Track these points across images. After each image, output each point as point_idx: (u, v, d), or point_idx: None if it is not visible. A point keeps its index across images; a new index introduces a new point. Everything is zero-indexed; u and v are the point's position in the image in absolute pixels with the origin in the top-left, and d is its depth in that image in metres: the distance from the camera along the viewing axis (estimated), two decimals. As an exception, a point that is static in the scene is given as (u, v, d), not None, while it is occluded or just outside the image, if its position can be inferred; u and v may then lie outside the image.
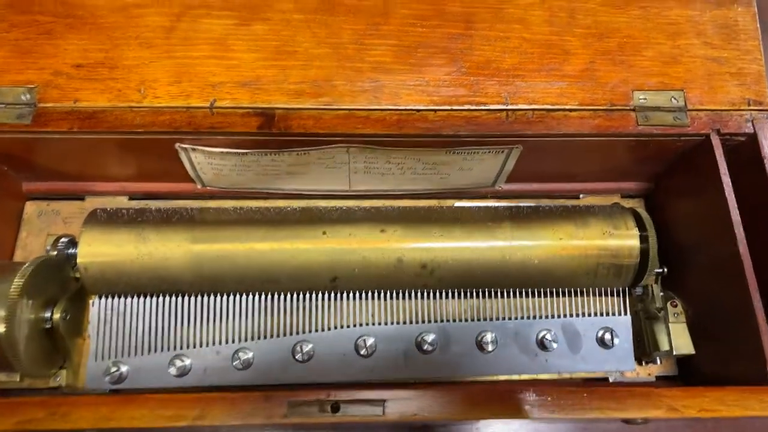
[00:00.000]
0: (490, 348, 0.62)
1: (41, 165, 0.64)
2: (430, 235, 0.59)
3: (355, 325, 0.62)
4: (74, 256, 0.59)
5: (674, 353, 0.60)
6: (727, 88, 0.62)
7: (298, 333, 0.62)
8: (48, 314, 0.59)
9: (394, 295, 0.63)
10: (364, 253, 0.58)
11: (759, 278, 0.54)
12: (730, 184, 0.57)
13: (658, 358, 0.64)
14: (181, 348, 0.61)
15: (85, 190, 0.68)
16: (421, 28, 0.62)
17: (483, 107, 0.60)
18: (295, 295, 0.62)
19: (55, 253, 0.62)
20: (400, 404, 0.50)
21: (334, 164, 0.64)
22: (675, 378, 0.66)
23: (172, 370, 0.60)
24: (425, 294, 0.63)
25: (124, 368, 0.60)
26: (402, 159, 0.63)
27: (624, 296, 0.65)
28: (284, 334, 0.62)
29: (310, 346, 0.61)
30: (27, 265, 0.57)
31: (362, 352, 0.61)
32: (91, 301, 0.62)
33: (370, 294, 0.63)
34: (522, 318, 0.64)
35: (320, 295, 0.62)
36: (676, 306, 0.62)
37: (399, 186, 0.68)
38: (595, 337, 0.63)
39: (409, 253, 0.59)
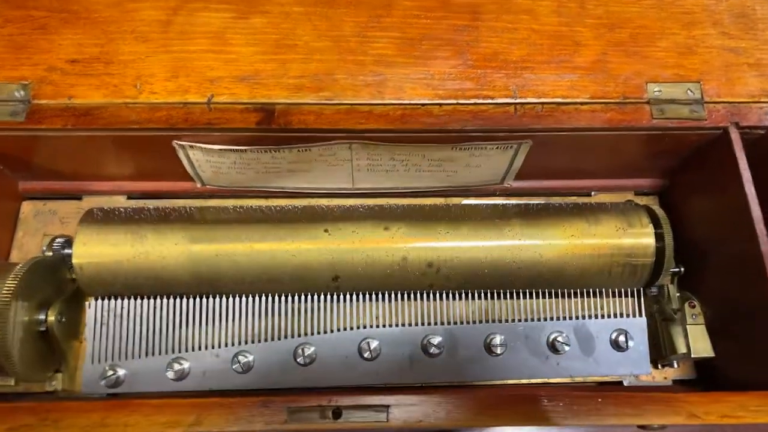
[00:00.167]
0: (499, 351, 0.60)
1: (37, 163, 0.63)
2: (436, 232, 0.57)
3: (358, 327, 0.60)
4: (70, 257, 0.57)
5: (692, 356, 0.58)
6: (745, 80, 0.59)
7: (299, 335, 0.60)
8: (43, 316, 0.57)
9: (399, 296, 0.61)
10: (367, 252, 0.56)
11: (782, 277, 0.52)
12: (750, 179, 0.55)
13: (675, 361, 0.61)
14: (180, 351, 0.59)
15: (82, 189, 0.67)
16: (425, 20, 0.60)
17: (490, 101, 0.57)
18: (296, 297, 0.60)
19: (51, 253, 0.60)
20: (405, 410, 0.48)
21: (336, 161, 0.62)
22: (693, 382, 0.63)
23: (170, 374, 0.58)
24: (431, 295, 0.61)
25: (121, 372, 0.59)
26: (406, 155, 0.61)
27: (639, 297, 0.62)
28: (285, 337, 0.60)
29: (312, 348, 0.59)
30: (21, 266, 0.56)
31: (366, 355, 0.59)
32: (87, 303, 0.61)
33: (374, 295, 0.61)
34: (532, 319, 0.61)
35: (322, 296, 0.60)
36: (694, 307, 0.59)
37: (404, 184, 0.66)
38: (608, 340, 0.61)
39: (414, 250, 0.57)
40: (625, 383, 0.62)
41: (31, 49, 0.58)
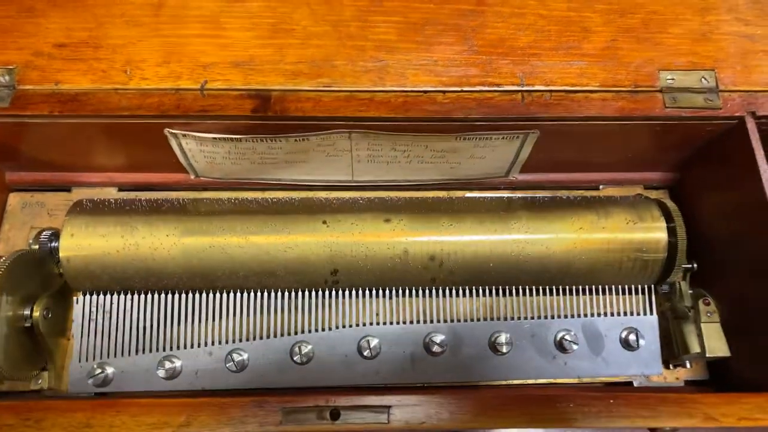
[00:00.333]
0: (504, 350, 0.57)
1: (24, 153, 0.60)
2: (438, 224, 0.54)
3: (358, 325, 0.58)
4: (57, 250, 0.55)
5: (707, 356, 0.55)
6: (762, 67, 0.57)
7: (296, 333, 0.57)
8: (28, 312, 0.55)
9: (401, 292, 0.58)
10: (367, 244, 0.54)
11: (802, 273, 0.49)
12: (768, 171, 0.52)
13: (687, 361, 0.59)
14: (171, 349, 0.57)
15: (71, 180, 0.64)
16: (428, 4, 0.57)
17: (496, 88, 0.55)
18: (293, 293, 0.58)
19: (37, 246, 0.58)
20: (407, 411, 0.45)
21: (335, 152, 0.59)
22: (706, 383, 0.60)
23: (161, 372, 0.56)
24: (434, 291, 0.59)
25: (109, 370, 0.56)
26: (408, 146, 0.58)
27: (649, 294, 0.60)
28: (282, 334, 0.57)
29: (310, 347, 0.57)
30: (4, 259, 0.53)
31: (366, 353, 0.57)
32: (75, 299, 0.58)
33: (374, 291, 0.58)
34: (539, 317, 0.59)
35: (321, 292, 0.58)
36: (708, 304, 0.56)
37: (405, 176, 0.64)
38: (618, 338, 0.59)
39: (416, 243, 0.54)
40: (636, 384, 0.60)
41: (17, 33, 0.55)
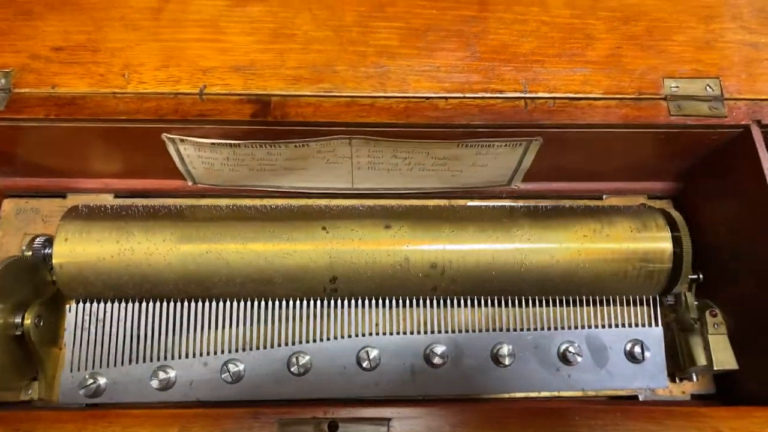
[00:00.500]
0: (506, 361, 0.56)
1: (20, 158, 0.59)
2: (439, 231, 0.53)
3: (357, 335, 0.57)
4: (50, 257, 0.54)
5: (714, 368, 0.54)
6: (767, 76, 0.56)
7: (294, 343, 0.56)
8: (19, 320, 0.53)
9: (401, 302, 0.57)
10: (367, 250, 0.53)
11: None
12: (774, 180, 0.52)
13: (694, 374, 0.58)
14: (165, 359, 0.55)
15: (67, 187, 0.63)
16: (431, 10, 0.57)
17: (499, 95, 0.54)
18: (291, 302, 0.57)
19: (30, 253, 0.56)
20: (407, 423, 0.44)
21: (335, 158, 0.58)
22: (712, 397, 0.59)
23: (155, 383, 0.54)
24: (435, 301, 0.57)
25: (101, 380, 0.55)
26: (409, 152, 0.58)
27: (654, 305, 0.58)
28: (279, 345, 0.56)
29: (307, 358, 0.55)
30: (-5, 264, 0.52)
31: (365, 365, 0.55)
32: (68, 307, 0.57)
33: (374, 301, 0.57)
34: (542, 328, 0.58)
35: (319, 301, 0.57)
36: (716, 315, 0.55)
37: (406, 184, 0.63)
38: (623, 351, 0.57)
39: (417, 249, 0.53)
40: (641, 398, 0.58)
41: (14, 36, 0.55)
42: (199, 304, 0.56)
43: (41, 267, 0.57)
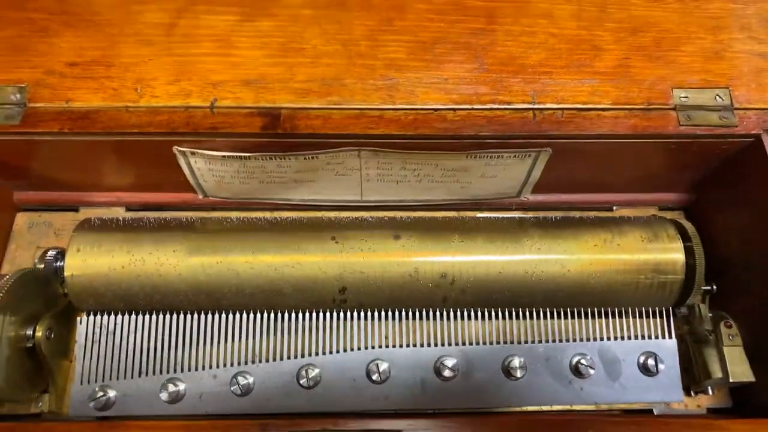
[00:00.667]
0: (518, 374, 0.55)
1: (33, 172, 0.60)
2: (449, 241, 0.53)
3: (366, 348, 0.56)
4: (62, 270, 0.54)
5: (730, 381, 0.53)
6: (777, 86, 0.56)
7: (303, 356, 0.56)
8: (30, 332, 0.54)
9: (411, 314, 0.57)
10: (376, 260, 0.53)
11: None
12: (787, 189, 0.51)
13: (709, 387, 0.56)
14: (175, 371, 0.55)
15: (79, 200, 0.64)
16: (438, 23, 0.57)
17: (507, 106, 0.55)
18: (300, 314, 0.56)
19: (42, 266, 0.57)
20: (418, 435, 0.43)
21: (344, 170, 0.59)
22: (729, 411, 0.58)
23: (164, 396, 0.54)
24: (445, 314, 0.57)
25: (111, 393, 0.54)
26: (418, 164, 0.58)
27: (668, 317, 0.58)
28: (288, 357, 0.56)
29: (317, 370, 0.55)
30: (8, 277, 0.52)
31: (374, 377, 0.55)
32: (78, 319, 0.57)
33: (383, 313, 0.57)
34: (554, 341, 0.57)
35: (328, 313, 0.56)
36: (730, 327, 0.54)
37: (415, 196, 0.63)
38: (636, 363, 0.56)
39: (426, 260, 0.53)
40: (656, 412, 0.57)
41: (30, 52, 0.56)
42: (209, 316, 0.56)
43: (53, 280, 0.57)
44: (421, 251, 0.53)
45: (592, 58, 0.57)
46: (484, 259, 0.53)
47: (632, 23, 0.58)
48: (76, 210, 0.64)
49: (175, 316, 0.56)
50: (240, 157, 0.56)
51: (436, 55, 0.56)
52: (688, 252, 0.55)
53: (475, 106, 0.54)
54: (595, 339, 0.57)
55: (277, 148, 0.55)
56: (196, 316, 0.56)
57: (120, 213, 0.64)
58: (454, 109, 0.54)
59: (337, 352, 0.56)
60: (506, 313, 0.57)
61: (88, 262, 0.52)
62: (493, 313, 0.57)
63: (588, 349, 0.57)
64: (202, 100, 0.54)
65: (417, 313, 0.57)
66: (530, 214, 0.64)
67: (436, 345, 0.57)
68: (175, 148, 0.55)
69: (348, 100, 0.54)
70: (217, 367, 0.55)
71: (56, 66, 0.55)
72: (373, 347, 0.56)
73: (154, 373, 0.55)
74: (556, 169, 0.59)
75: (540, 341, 0.57)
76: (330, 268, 0.52)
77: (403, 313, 0.57)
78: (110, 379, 0.55)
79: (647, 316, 0.58)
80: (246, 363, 0.56)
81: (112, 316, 0.56)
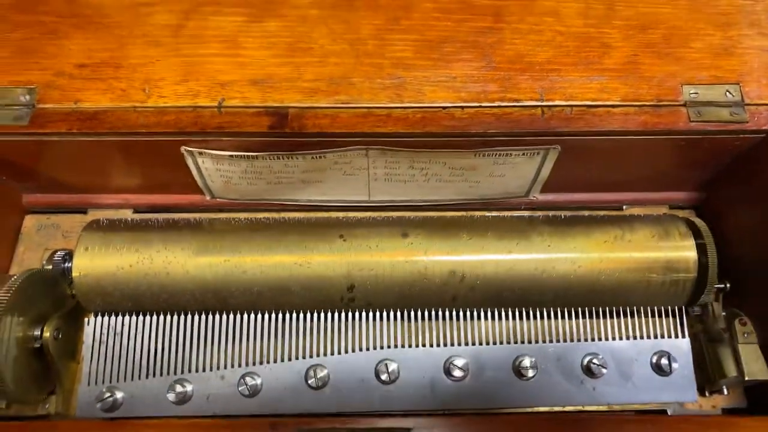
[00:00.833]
0: (529, 374, 0.54)
1: (42, 173, 0.60)
2: (458, 238, 0.53)
3: (375, 348, 0.56)
4: (70, 271, 0.54)
5: (746, 379, 0.52)
6: (788, 81, 0.56)
7: (311, 356, 0.55)
8: (38, 332, 0.53)
9: (420, 314, 0.56)
10: (385, 258, 0.52)
11: None
12: (800, 184, 0.51)
13: (724, 386, 0.55)
14: (182, 372, 0.55)
15: (87, 202, 0.64)
16: (446, 22, 0.57)
17: (516, 104, 0.54)
18: (308, 314, 0.56)
19: (51, 267, 0.57)
20: (428, 434, 0.43)
21: (351, 170, 0.58)
22: (744, 411, 0.57)
23: (171, 396, 0.54)
24: (454, 313, 0.56)
25: (119, 394, 0.54)
26: (426, 163, 0.58)
27: (680, 316, 0.57)
28: (296, 358, 0.55)
29: (325, 371, 0.54)
30: (15, 277, 0.52)
31: (383, 377, 0.54)
32: (86, 320, 0.57)
33: (392, 313, 0.56)
34: (565, 340, 0.56)
35: (336, 313, 0.56)
36: (745, 324, 0.54)
37: (423, 196, 0.63)
38: (649, 363, 0.56)
39: (435, 257, 0.52)
40: (669, 412, 0.56)
41: (39, 54, 0.56)
42: (217, 316, 0.56)
43: (61, 281, 0.57)
44: (430, 248, 0.52)
45: (600, 55, 0.56)
46: (494, 255, 0.52)
47: (640, 20, 0.58)
48: (85, 212, 0.64)
49: (182, 316, 0.56)
50: (247, 156, 0.56)
51: (444, 54, 0.56)
52: (701, 249, 0.54)
53: (483, 104, 0.54)
54: (607, 338, 0.56)
55: (285, 147, 0.55)
56: (203, 316, 0.56)
57: (128, 215, 0.64)
58: (462, 107, 0.54)
59: (346, 352, 0.55)
60: (516, 312, 0.56)
61: (95, 261, 0.52)
62: (503, 313, 0.57)
63: (600, 349, 0.56)
64: (209, 100, 0.54)
65: (426, 313, 0.56)
66: (539, 214, 0.63)
67: (445, 345, 0.56)
68: (182, 148, 0.55)
69: (356, 99, 0.54)
70: (225, 367, 0.55)
71: (65, 67, 0.56)
72: (382, 347, 0.56)
73: (161, 374, 0.55)
74: (565, 168, 0.58)
75: (551, 341, 0.56)
76: (338, 266, 0.52)
77: (413, 313, 0.56)
78: (117, 380, 0.55)
79: (659, 316, 0.57)
80: (254, 364, 0.55)
81: (120, 317, 0.56)
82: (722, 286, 0.56)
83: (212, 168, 0.58)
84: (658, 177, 0.62)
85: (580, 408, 0.56)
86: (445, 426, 0.43)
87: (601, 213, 0.64)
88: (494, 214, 0.64)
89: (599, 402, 0.55)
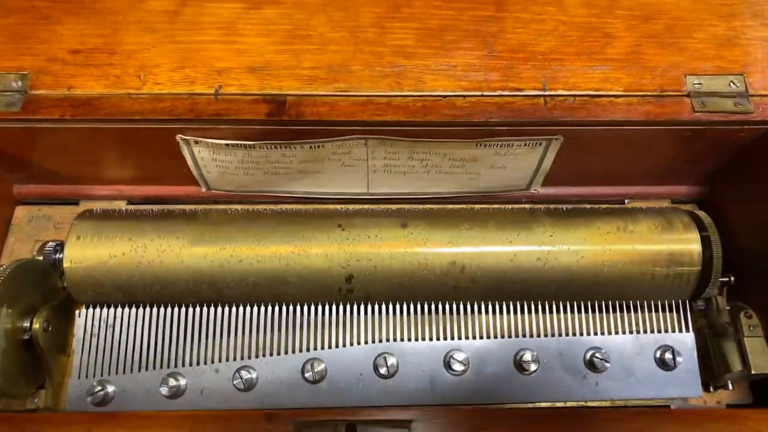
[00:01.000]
0: (531, 368, 0.53)
1: (34, 163, 0.59)
2: (458, 229, 0.52)
3: (374, 341, 0.54)
4: (61, 262, 0.53)
5: (752, 373, 0.51)
6: (792, 72, 0.55)
7: (308, 350, 0.54)
8: (27, 324, 0.52)
9: (420, 307, 0.55)
10: (384, 247, 0.51)
11: None
12: (806, 176, 0.50)
13: (729, 381, 0.54)
14: (176, 365, 0.54)
15: (80, 194, 0.63)
16: (447, 11, 0.56)
17: (518, 93, 0.53)
18: (305, 307, 0.55)
19: (41, 258, 0.55)
20: (430, 426, 0.42)
21: (350, 161, 0.57)
22: (749, 407, 0.56)
23: (164, 390, 0.52)
24: (455, 306, 0.55)
25: (110, 388, 0.53)
26: (426, 154, 0.57)
27: (684, 310, 0.56)
28: (293, 351, 0.54)
29: (323, 365, 0.53)
30: (4, 267, 0.51)
31: (382, 371, 0.53)
32: (77, 312, 0.55)
33: (391, 305, 0.55)
34: (567, 335, 0.55)
35: (334, 306, 0.55)
36: (751, 317, 0.53)
37: (423, 188, 0.62)
38: (653, 357, 0.55)
39: (435, 246, 0.51)
40: (673, 408, 0.55)
41: (32, 39, 0.55)
42: (211, 308, 0.55)
43: (52, 272, 0.55)
44: (430, 238, 0.51)
45: (603, 45, 0.56)
46: (495, 246, 0.51)
47: (643, 11, 0.57)
48: (77, 203, 0.63)
49: (176, 308, 0.54)
50: (244, 145, 0.55)
51: (445, 42, 0.55)
52: (705, 242, 0.53)
53: (485, 93, 0.53)
54: (610, 333, 0.55)
55: (283, 135, 0.54)
56: (197, 308, 0.54)
57: (121, 206, 0.63)
58: (463, 96, 0.53)
59: (344, 345, 0.54)
60: (518, 306, 0.55)
61: (87, 250, 0.51)
62: (504, 306, 0.55)
63: (603, 343, 0.55)
64: (206, 87, 0.53)
65: (426, 306, 0.55)
66: (541, 206, 0.62)
67: (446, 338, 0.55)
68: (178, 137, 0.54)
69: (355, 87, 0.53)
70: (220, 361, 0.54)
71: (59, 53, 0.54)
72: (380, 341, 0.55)
73: (154, 367, 0.54)
74: (567, 160, 0.58)
75: (553, 335, 0.55)
76: (336, 256, 0.51)
77: (412, 306, 0.55)
78: (109, 373, 0.53)
79: (663, 310, 0.56)
80: (249, 357, 0.54)
81: (112, 309, 0.55)
82: (727, 279, 0.55)
83: (208, 157, 0.57)
84: (660, 170, 0.61)
85: (582, 403, 0.55)
86: (446, 418, 0.42)
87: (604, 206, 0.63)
88: (495, 207, 0.63)
89: (602, 397, 0.54)
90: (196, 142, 0.55)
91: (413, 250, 0.51)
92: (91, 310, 0.55)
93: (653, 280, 0.53)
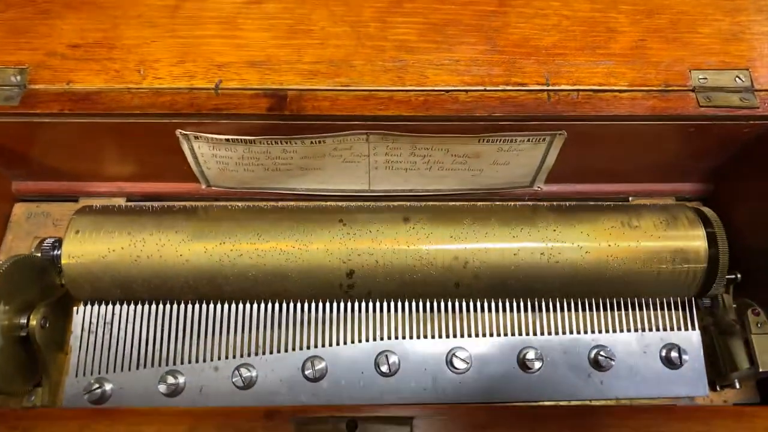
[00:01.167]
0: (534, 366, 0.53)
1: (32, 159, 0.58)
2: (461, 224, 0.51)
3: (375, 339, 0.54)
4: (59, 259, 0.52)
5: (760, 370, 0.50)
6: (798, 68, 0.54)
7: (309, 347, 0.54)
8: (24, 320, 0.51)
9: (422, 304, 0.54)
10: (385, 243, 0.50)
11: None
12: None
13: (737, 380, 0.54)
14: (174, 363, 0.53)
15: (79, 190, 0.62)
16: (449, 5, 0.56)
17: (521, 87, 0.53)
18: (306, 304, 0.54)
19: (39, 254, 0.55)
20: (431, 422, 0.41)
21: (351, 157, 0.57)
22: (756, 406, 0.55)
23: (163, 388, 0.52)
24: (458, 304, 0.55)
25: (107, 386, 0.52)
26: (428, 150, 0.56)
27: (690, 308, 0.55)
28: (293, 349, 0.53)
29: (323, 363, 0.53)
30: (1, 263, 0.50)
31: (383, 369, 0.52)
32: (75, 309, 0.55)
33: (393, 303, 0.54)
34: (572, 333, 0.54)
35: (335, 303, 0.54)
36: (758, 314, 0.52)
37: (424, 185, 0.61)
38: (658, 355, 0.54)
39: (437, 242, 0.51)
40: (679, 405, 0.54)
41: (31, 34, 0.54)
42: (210, 305, 0.54)
43: (49, 269, 0.55)
44: (432, 234, 0.51)
45: (606, 40, 0.55)
46: (498, 241, 0.51)
47: (647, 5, 0.57)
48: (76, 200, 0.62)
49: (174, 305, 0.54)
50: (245, 140, 0.54)
51: (447, 37, 0.55)
52: (711, 239, 0.53)
53: (488, 88, 0.53)
54: (615, 331, 0.55)
55: (283, 130, 0.53)
56: (196, 305, 0.54)
57: (120, 203, 0.62)
58: (466, 91, 0.53)
59: (345, 343, 0.54)
60: (521, 304, 0.55)
61: (86, 245, 0.50)
62: (508, 304, 0.55)
63: (608, 341, 0.54)
64: (206, 82, 0.53)
65: (428, 304, 0.55)
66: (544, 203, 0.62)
67: (448, 336, 0.54)
68: (178, 132, 0.54)
69: (356, 82, 0.53)
70: (219, 359, 0.53)
71: (58, 48, 0.54)
72: (382, 338, 0.54)
73: (152, 365, 0.53)
74: (570, 157, 0.57)
75: (557, 333, 0.55)
76: (337, 251, 0.50)
77: (414, 303, 0.55)
78: (106, 371, 0.53)
79: (668, 308, 0.56)
80: (249, 355, 0.53)
81: (110, 306, 0.54)
82: (733, 276, 0.54)
83: (208, 153, 0.56)
84: (665, 166, 0.61)
85: (587, 402, 0.54)
86: (448, 415, 0.41)
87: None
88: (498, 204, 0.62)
89: (607, 396, 0.53)
90: (196, 138, 0.54)
91: (415, 245, 0.50)
92: (89, 306, 0.54)
93: (659, 277, 0.52)
